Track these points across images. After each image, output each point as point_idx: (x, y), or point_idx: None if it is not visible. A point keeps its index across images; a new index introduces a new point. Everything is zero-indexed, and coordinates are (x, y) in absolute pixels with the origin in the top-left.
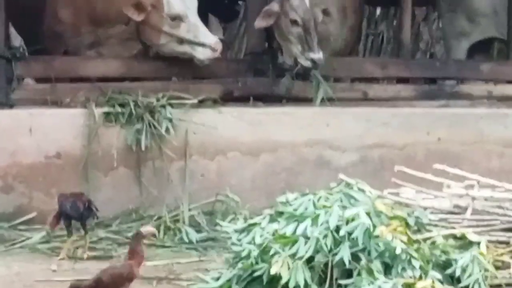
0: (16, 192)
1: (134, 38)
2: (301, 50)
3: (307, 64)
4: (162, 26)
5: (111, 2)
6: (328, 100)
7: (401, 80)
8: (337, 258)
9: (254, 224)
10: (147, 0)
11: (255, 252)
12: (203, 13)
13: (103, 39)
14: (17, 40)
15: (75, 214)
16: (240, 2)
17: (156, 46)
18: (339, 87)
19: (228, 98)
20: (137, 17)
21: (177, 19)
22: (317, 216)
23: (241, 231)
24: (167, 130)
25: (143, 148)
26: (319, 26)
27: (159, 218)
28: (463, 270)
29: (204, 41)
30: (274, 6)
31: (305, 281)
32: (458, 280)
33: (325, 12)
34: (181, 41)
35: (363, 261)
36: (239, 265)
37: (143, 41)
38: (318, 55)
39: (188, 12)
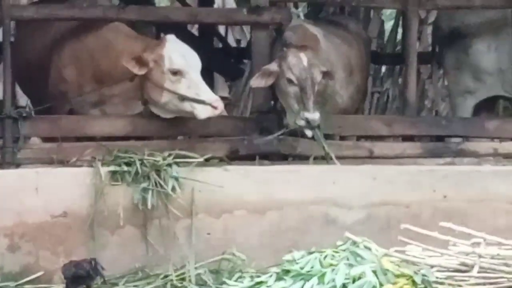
0: (22, 251)
1: (137, 97)
2: (297, 109)
3: (302, 123)
4: (164, 82)
5: (115, 60)
6: (324, 158)
7: (407, 138)
8: None
9: (261, 283)
10: (149, 55)
11: None
12: (209, 72)
13: (107, 98)
14: (23, 100)
15: (83, 273)
16: (245, 61)
17: (158, 104)
18: (345, 145)
19: (234, 157)
20: (138, 70)
21: (177, 74)
22: (324, 274)
23: None
24: (173, 188)
25: (149, 206)
26: (325, 85)
27: (166, 276)
28: None
29: (204, 98)
30: (272, 66)
31: None
32: None
33: (328, 75)
34: (182, 98)
35: None
36: None
37: (146, 98)
38: (312, 115)
39: (189, 69)
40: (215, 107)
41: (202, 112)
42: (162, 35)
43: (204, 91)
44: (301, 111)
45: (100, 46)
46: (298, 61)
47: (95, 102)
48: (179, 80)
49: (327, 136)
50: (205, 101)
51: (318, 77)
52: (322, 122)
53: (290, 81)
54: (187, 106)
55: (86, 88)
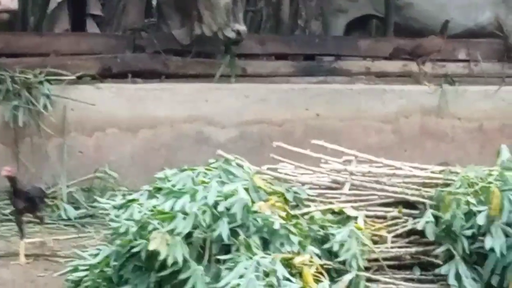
0: None
1: None
2: (226, 21)
3: (232, 35)
4: None
5: None
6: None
7: (280, 57)
8: (215, 234)
9: (133, 200)
10: None
11: (133, 229)
12: None
13: None
14: None
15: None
16: None
17: None
18: (217, 64)
19: (106, 75)
20: None
21: None
22: (196, 192)
23: (120, 207)
24: (44, 106)
25: (20, 124)
26: None
27: None
28: (341, 245)
29: None
30: None
31: (184, 257)
32: (336, 255)
33: None
34: None
35: (242, 237)
36: (118, 241)
37: None
38: (243, 27)
39: None
40: None
41: None
42: None
43: None
44: (231, 23)
45: None
46: None
47: None
48: None
49: None
50: None
51: None
52: None
53: None
54: None
55: None
